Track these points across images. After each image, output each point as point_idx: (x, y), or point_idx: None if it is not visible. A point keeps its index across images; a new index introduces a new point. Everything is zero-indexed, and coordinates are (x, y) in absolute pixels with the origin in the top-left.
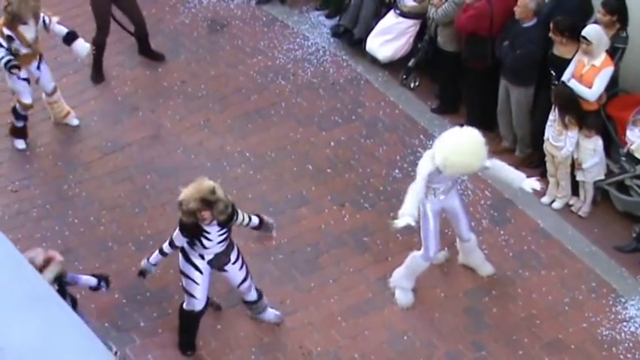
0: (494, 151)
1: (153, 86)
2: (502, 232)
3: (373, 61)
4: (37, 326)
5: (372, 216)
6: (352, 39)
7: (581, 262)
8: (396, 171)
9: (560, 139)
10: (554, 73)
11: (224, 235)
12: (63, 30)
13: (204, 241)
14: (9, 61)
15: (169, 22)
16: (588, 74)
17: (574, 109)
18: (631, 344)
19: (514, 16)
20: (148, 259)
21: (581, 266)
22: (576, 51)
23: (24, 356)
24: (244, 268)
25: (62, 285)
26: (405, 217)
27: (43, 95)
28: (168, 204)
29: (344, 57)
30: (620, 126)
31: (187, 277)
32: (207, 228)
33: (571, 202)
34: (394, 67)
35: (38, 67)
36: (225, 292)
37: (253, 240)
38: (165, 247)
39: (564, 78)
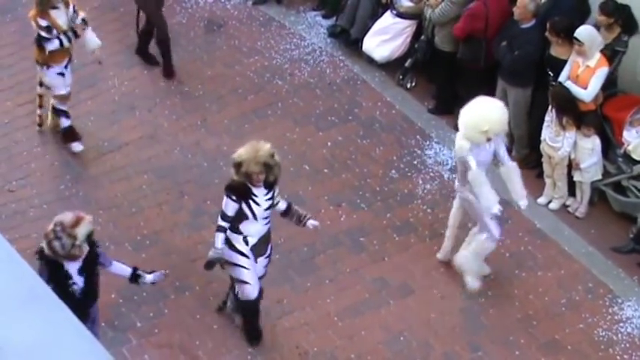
0: None
1: (150, 86)
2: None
3: (370, 61)
4: (36, 326)
5: (368, 216)
6: (349, 39)
7: (578, 262)
8: (393, 171)
9: (557, 139)
10: (551, 74)
11: (270, 202)
12: (82, 21)
13: (253, 206)
14: (61, 42)
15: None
16: (584, 75)
17: (571, 110)
18: (627, 345)
19: (512, 17)
20: (214, 248)
21: (577, 267)
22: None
23: (22, 356)
24: (267, 268)
25: (93, 249)
26: (494, 206)
27: (52, 99)
28: (165, 204)
29: (341, 57)
30: (617, 126)
31: (235, 264)
32: (255, 191)
33: (568, 203)
34: (391, 67)
35: (66, 66)
36: (222, 291)
37: None
38: (220, 221)
39: (561, 79)
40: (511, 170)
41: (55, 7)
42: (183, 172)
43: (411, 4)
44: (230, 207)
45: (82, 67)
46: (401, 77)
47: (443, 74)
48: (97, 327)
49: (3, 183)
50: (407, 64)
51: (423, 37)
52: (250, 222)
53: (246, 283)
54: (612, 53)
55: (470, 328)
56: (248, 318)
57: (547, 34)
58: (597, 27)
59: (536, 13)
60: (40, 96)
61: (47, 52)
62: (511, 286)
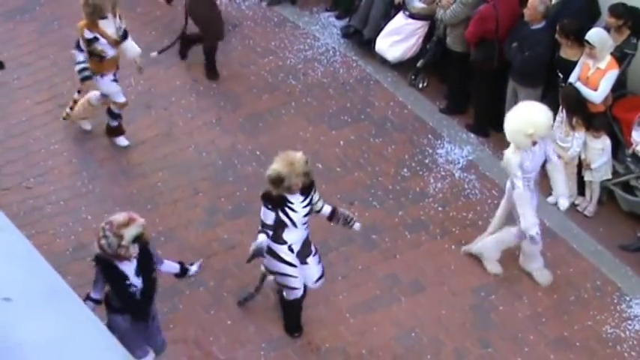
0: (502, 151)
1: (166, 85)
2: None
3: (382, 61)
4: (55, 322)
5: (380, 214)
6: (362, 40)
7: (587, 260)
8: (405, 170)
9: (567, 139)
10: (561, 76)
11: (308, 208)
12: (127, 36)
13: (290, 213)
14: (84, 69)
15: (178, 25)
16: (594, 77)
17: (581, 111)
18: (635, 342)
19: (522, 18)
20: (256, 242)
21: (586, 265)
22: (582, 54)
23: (42, 351)
24: (322, 264)
25: (146, 250)
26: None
27: (76, 93)
28: (180, 201)
29: (354, 57)
30: (626, 127)
31: (282, 274)
32: (291, 198)
33: (577, 202)
34: (403, 67)
35: (114, 74)
36: (236, 287)
37: None
38: (260, 230)
39: (571, 80)
40: (555, 167)
41: (104, 17)
42: (198, 170)
43: (423, 5)
44: (268, 216)
45: None
46: (413, 77)
47: (454, 74)
48: (158, 321)
49: (21, 180)
50: (419, 64)
51: (434, 37)
52: (290, 229)
53: (295, 288)
54: (622, 55)
55: (480, 325)
56: (291, 313)
57: (557, 36)
58: (607, 29)
59: (546, 15)
60: (75, 101)
61: (103, 61)
62: (520, 284)
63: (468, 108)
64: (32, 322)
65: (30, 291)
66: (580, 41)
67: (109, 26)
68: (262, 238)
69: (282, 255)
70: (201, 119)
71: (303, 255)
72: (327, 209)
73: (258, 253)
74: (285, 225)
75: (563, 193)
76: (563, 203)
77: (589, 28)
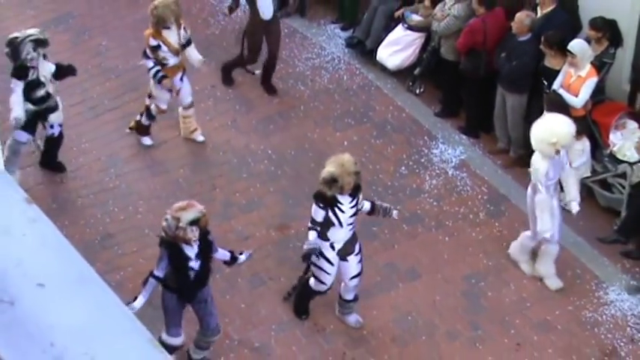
0: (491, 151)
1: None
2: (497, 224)
3: (383, 69)
4: (83, 306)
5: None
6: (364, 49)
7: (568, 251)
8: (403, 168)
9: None
10: (545, 83)
11: (354, 209)
12: (190, 44)
13: (339, 213)
14: (157, 72)
15: (201, 33)
16: (575, 84)
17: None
18: (611, 325)
19: (510, 31)
20: (307, 242)
21: (567, 255)
22: (565, 63)
23: (72, 333)
24: (362, 264)
25: (206, 238)
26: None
27: (180, 108)
28: (198, 195)
29: (357, 65)
30: (604, 130)
31: (320, 268)
32: (341, 199)
33: (560, 198)
34: (402, 74)
35: (181, 79)
36: (249, 274)
37: (274, 229)
38: (310, 225)
39: (554, 87)
40: (568, 173)
41: (167, 28)
42: (215, 167)
43: (420, 18)
44: (318, 214)
45: (125, 72)
46: (410, 84)
47: (448, 81)
48: (213, 306)
49: (52, 176)
50: (416, 72)
51: (430, 47)
52: (336, 229)
53: (323, 283)
54: (600, 64)
55: (470, 310)
56: (305, 298)
57: (542, 46)
58: (588, 40)
59: (532, 28)
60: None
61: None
62: (507, 272)
63: (460, 112)
64: (63, 306)
65: (61, 277)
66: (563, 51)
67: (172, 36)
68: (313, 236)
69: (323, 250)
70: (218, 121)
71: (344, 252)
72: (367, 206)
73: (312, 252)
74: (332, 224)
75: (574, 197)
76: (575, 207)
77: (571, 39)
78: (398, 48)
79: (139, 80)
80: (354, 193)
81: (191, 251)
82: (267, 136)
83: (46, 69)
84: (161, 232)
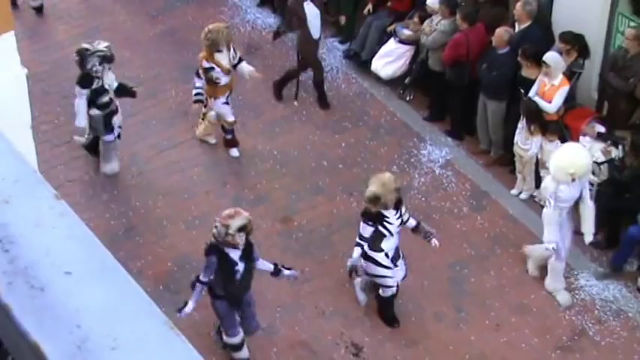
0: (474, 152)
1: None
2: (479, 218)
3: (377, 78)
4: (106, 292)
5: None
6: (360, 61)
7: (542, 241)
8: (394, 167)
9: (527, 142)
10: (522, 91)
11: (400, 220)
12: (241, 61)
13: (388, 225)
14: (198, 94)
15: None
16: (549, 92)
17: (538, 120)
18: (581, 308)
19: (491, 44)
20: (351, 258)
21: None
22: (540, 73)
23: (96, 316)
24: (407, 265)
25: (250, 244)
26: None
27: (212, 113)
28: (211, 191)
29: (353, 75)
30: (575, 133)
31: (381, 276)
32: (386, 213)
33: (535, 194)
34: (394, 83)
35: (226, 102)
36: None
37: (279, 221)
38: (358, 240)
39: (530, 94)
40: (587, 208)
41: (219, 51)
42: (226, 166)
43: (410, 32)
44: (366, 230)
45: (146, 81)
46: (402, 91)
47: (435, 89)
48: (254, 308)
49: (82, 174)
50: (406, 81)
51: (419, 59)
52: (388, 239)
53: (390, 287)
54: (571, 73)
55: (455, 294)
56: (388, 308)
57: (519, 58)
58: (559, 52)
59: (510, 42)
60: (204, 114)
61: (217, 86)
62: (488, 261)
63: (445, 116)
64: (88, 292)
65: (86, 266)
66: (538, 63)
67: (224, 58)
68: (357, 253)
69: (380, 260)
70: None
71: (395, 259)
72: (412, 222)
73: (354, 268)
74: (384, 236)
75: (589, 231)
76: (588, 239)
77: (545, 52)
78: (390, 59)
79: (158, 88)
80: (398, 206)
81: (236, 255)
82: (273, 138)
83: (110, 78)
84: (210, 238)
